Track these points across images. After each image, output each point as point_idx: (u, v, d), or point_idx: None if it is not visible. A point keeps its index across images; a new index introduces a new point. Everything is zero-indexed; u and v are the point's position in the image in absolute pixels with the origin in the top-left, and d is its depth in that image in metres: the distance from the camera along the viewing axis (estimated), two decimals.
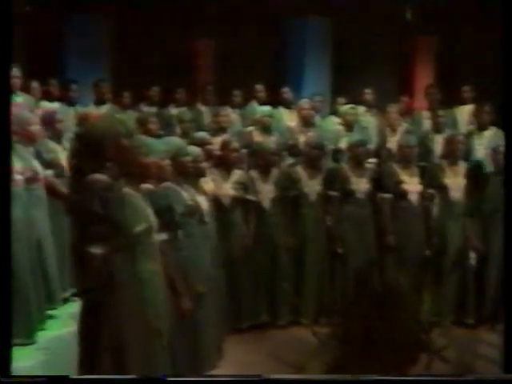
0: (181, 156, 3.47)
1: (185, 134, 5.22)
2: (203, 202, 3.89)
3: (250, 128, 5.76)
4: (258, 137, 5.58)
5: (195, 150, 3.82)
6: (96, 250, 2.22)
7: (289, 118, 6.23)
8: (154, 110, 6.14)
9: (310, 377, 3.27)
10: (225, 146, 4.50)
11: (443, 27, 6.87)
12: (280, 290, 4.64)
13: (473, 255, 4.66)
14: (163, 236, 2.94)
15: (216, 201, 4.39)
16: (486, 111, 5.49)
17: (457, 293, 4.62)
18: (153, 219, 2.78)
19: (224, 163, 4.49)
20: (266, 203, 4.65)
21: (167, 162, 3.15)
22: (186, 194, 3.54)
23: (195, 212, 3.56)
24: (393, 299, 3.44)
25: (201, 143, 4.28)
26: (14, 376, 2.46)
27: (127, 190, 2.67)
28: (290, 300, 4.08)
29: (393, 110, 5.79)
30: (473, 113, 5.71)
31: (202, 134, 4.41)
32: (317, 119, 6.23)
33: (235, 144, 4.53)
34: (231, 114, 6.24)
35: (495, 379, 2.73)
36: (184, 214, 3.39)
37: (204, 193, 4.07)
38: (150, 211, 2.77)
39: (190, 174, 3.69)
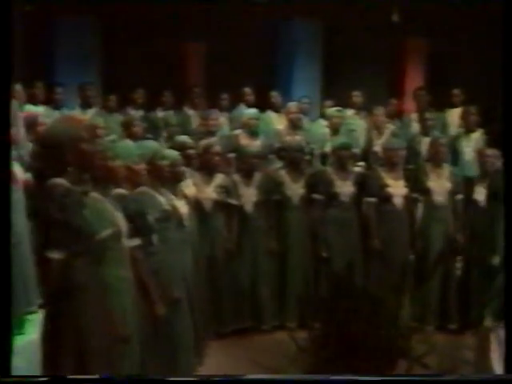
0: (157, 160, 3.48)
1: (171, 138, 5.25)
2: (182, 207, 3.90)
3: (237, 131, 5.77)
4: (244, 140, 5.59)
5: (172, 153, 3.82)
6: (55, 255, 2.22)
7: (277, 122, 6.24)
8: (140, 113, 6.16)
9: (288, 377, 3.27)
10: (207, 149, 4.50)
11: (434, 29, 6.86)
12: (264, 294, 4.62)
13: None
14: (136, 241, 2.95)
15: (198, 205, 4.39)
16: (472, 113, 5.49)
17: (440, 297, 4.60)
18: (122, 224, 2.79)
19: (206, 167, 4.49)
20: (249, 207, 4.65)
21: (142, 166, 3.14)
22: (163, 199, 3.54)
23: (172, 217, 3.56)
24: (371, 304, 3.42)
25: (182, 147, 4.30)
26: (14, 376, 2.47)
27: (94, 194, 2.68)
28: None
29: (379, 112, 5.80)
30: (460, 115, 5.70)
31: (183, 138, 4.41)
32: (305, 122, 6.25)
33: (217, 148, 4.52)
34: (219, 118, 6.28)
35: (495, 379, 2.76)
36: (160, 218, 3.38)
37: (184, 197, 4.08)
38: (119, 216, 2.77)
39: (167, 178, 3.70)
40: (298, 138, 4.98)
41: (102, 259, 2.61)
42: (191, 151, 4.32)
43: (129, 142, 3.68)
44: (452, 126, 6.00)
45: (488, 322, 2.51)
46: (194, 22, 7.28)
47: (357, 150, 5.93)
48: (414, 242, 4.67)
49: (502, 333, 2.67)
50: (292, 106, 5.87)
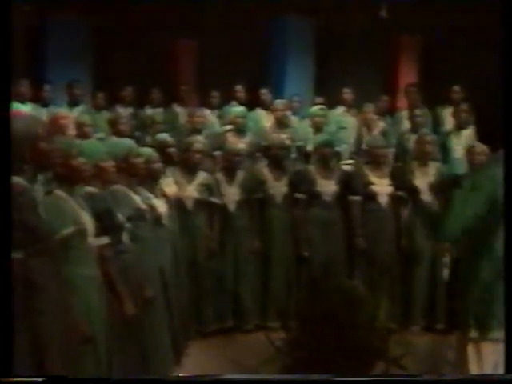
0: (132, 157, 3.48)
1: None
2: (161, 205, 3.91)
3: (224, 129, 5.77)
4: (232, 138, 5.59)
5: (148, 151, 3.83)
6: (14, 255, 2.23)
7: (267, 119, 6.24)
8: (130, 110, 6.17)
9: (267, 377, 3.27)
10: (188, 147, 4.50)
11: (427, 25, 6.82)
12: (246, 293, 4.62)
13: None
14: (104, 240, 2.96)
15: (179, 203, 4.40)
16: (463, 110, 5.46)
17: (427, 297, 4.58)
18: (88, 222, 2.80)
19: (188, 165, 4.49)
20: (232, 206, 4.64)
21: (110, 163, 3.14)
22: (138, 197, 3.54)
23: (147, 215, 3.56)
24: (346, 305, 3.41)
25: (162, 145, 4.31)
26: (15, 376, 2.49)
27: (57, 193, 2.69)
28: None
29: (369, 109, 5.77)
30: (451, 113, 5.66)
31: (163, 136, 4.42)
32: (294, 120, 6.24)
33: (199, 145, 4.52)
34: (209, 115, 6.28)
35: (495, 379, 2.75)
36: (133, 217, 3.39)
37: (164, 195, 4.09)
38: (84, 214, 2.79)
39: (144, 176, 3.71)
40: (280, 136, 4.95)
41: (65, 258, 2.62)
42: (171, 149, 4.32)
43: (95, 140, 3.69)
44: (447, 123, 5.95)
45: (473, 332, 2.43)
46: (186, 20, 7.27)
47: (346, 148, 5.95)
48: (400, 240, 4.64)
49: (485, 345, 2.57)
50: (279, 103, 5.86)
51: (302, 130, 5.93)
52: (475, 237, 2.46)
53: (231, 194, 4.64)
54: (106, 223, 2.98)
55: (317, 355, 3.43)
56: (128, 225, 3.33)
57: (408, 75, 7.28)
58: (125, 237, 3.21)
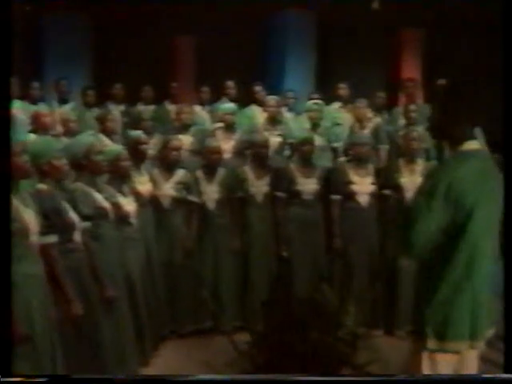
0: (93, 155, 3.49)
1: (146, 133, 5.27)
2: (129, 203, 3.92)
3: (213, 126, 5.76)
4: (221, 135, 5.58)
5: (115, 149, 3.84)
6: None
7: (261, 116, 6.20)
8: (121, 108, 6.21)
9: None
10: (164, 145, 4.50)
11: (429, 20, 6.69)
12: (225, 294, 4.61)
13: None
14: (51, 238, 2.97)
15: (155, 202, 4.41)
16: None
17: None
18: (31, 221, 2.81)
19: (165, 163, 4.50)
20: (211, 204, 4.63)
21: (63, 161, 3.16)
22: (100, 195, 3.56)
23: (109, 213, 3.57)
24: (311, 309, 3.36)
25: (135, 143, 4.32)
26: (15, 375, 2.53)
27: None
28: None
29: (362, 105, 5.68)
30: None
31: (136, 133, 4.42)
32: (289, 116, 6.19)
33: (175, 143, 4.52)
34: (200, 112, 6.28)
35: (495, 379, 2.68)
36: (92, 215, 3.40)
37: (135, 193, 4.10)
38: (27, 212, 2.80)
39: (111, 174, 3.73)
40: (263, 134, 4.92)
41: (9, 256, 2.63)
42: (144, 147, 4.33)
43: (50, 138, 3.72)
44: None
45: (429, 342, 2.33)
46: (184, 16, 7.30)
47: (340, 145, 5.87)
48: (383, 241, 4.55)
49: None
50: (271, 99, 5.82)
51: (295, 127, 5.89)
52: (437, 245, 2.33)
53: (211, 192, 4.63)
54: (54, 221, 2.99)
55: (280, 361, 3.39)
56: (86, 223, 3.35)
57: (410, 70, 7.15)
58: (77, 236, 3.22)
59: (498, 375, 2.90)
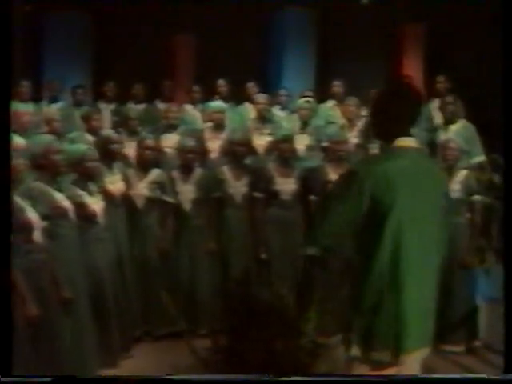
0: (51, 154, 3.50)
1: (132, 132, 5.31)
2: (95, 203, 3.92)
3: (202, 126, 5.76)
4: (209, 134, 5.57)
5: (79, 148, 3.85)
6: None
7: (253, 114, 6.16)
8: (111, 106, 6.26)
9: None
10: (139, 144, 4.51)
11: (430, 17, 6.57)
12: (201, 296, 4.58)
13: None
14: None
15: (128, 201, 4.41)
16: (451, 103, 5.20)
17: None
18: None
19: (139, 162, 4.50)
20: (187, 204, 4.61)
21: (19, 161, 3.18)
22: (60, 195, 3.56)
23: (69, 213, 3.58)
24: (267, 314, 3.30)
25: (106, 142, 4.33)
26: (16, 376, 2.58)
27: None
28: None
29: (352, 103, 5.59)
30: (439, 106, 5.41)
31: (107, 132, 4.44)
32: (281, 115, 6.14)
33: (149, 142, 4.52)
34: (191, 111, 6.28)
35: (496, 379, 2.67)
36: (50, 215, 3.41)
37: (104, 192, 4.11)
38: None
39: (68, 173, 3.74)
40: (245, 133, 4.88)
41: None
42: (115, 146, 4.33)
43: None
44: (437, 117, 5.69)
45: (354, 350, 2.25)
46: (184, 15, 7.32)
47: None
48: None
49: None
50: (260, 97, 5.78)
51: (286, 125, 5.83)
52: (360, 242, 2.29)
53: (187, 193, 4.61)
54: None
55: (240, 367, 3.34)
56: (44, 223, 3.37)
57: (410, 67, 7.01)
58: (37, 236, 3.23)
59: (498, 375, 2.88)
